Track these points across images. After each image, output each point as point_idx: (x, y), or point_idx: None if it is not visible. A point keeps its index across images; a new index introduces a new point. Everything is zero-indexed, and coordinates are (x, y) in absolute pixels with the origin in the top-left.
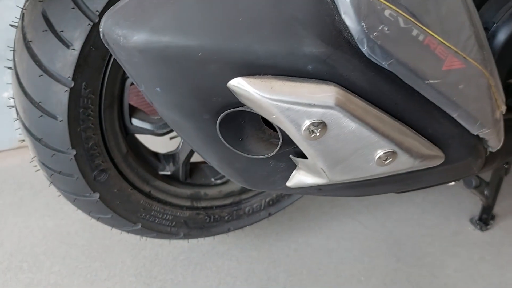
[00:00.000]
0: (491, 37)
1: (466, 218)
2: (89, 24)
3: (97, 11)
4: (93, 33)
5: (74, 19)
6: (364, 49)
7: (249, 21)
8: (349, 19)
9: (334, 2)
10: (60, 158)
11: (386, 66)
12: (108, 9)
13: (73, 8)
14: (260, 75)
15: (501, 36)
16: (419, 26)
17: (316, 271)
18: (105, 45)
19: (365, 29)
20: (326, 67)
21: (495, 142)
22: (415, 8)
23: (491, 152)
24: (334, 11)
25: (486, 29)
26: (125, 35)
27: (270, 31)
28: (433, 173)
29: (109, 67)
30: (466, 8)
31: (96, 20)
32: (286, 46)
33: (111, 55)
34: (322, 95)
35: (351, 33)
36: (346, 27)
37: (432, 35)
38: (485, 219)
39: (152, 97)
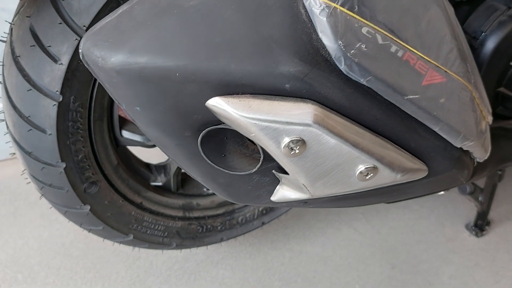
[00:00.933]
0: (479, 46)
1: (461, 224)
2: (76, 39)
3: (84, 26)
4: None
5: (61, 34)
6: (342, 67)
7: (226, 41)
8: (326, 38)
9: (311, 21)
10: (50, 171)
11: (364, 83)
12: (95, 23)
13: (60, 23)
14: (238, 94)
15: (490, 45)
16: (398, 42)
17: (311, 279)
18: (85, 65)
19: (342, 47)
20: (304, 85)
21: (481, 154)
22: (393, 24)
23: (480, 161)
24: (311, 30)
25: (475, 38)
26: (103, 57)
27: (247, 51)
28: (418, 185)
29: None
30: (448, 21)
31: (83, 35)
32: (263, 66)
33: None
34: (300, 113)
35: (328, 52)
36: (323, 45)
37: (411, 50)
38: (480, 225)
39: (133, 115)
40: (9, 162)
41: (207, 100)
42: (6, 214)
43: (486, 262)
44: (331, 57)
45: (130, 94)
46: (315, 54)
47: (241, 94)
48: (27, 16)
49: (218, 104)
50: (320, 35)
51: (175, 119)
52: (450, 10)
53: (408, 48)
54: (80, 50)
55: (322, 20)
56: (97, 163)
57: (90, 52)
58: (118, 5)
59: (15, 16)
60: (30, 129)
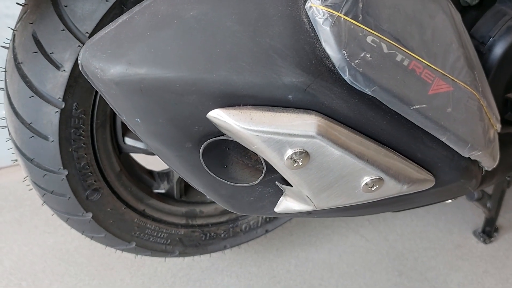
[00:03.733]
0: (487, 51)
1: (469, 230)
2: (79, 45)
3: (87, 32)
4: None
5: (64, 40)
6: (346, 77)
7: (227, 51)
8: (330, 48)
9: (314, 31)
10: (52, 178)
11: (369, 93)
12: (98, 30)
13: (63, 30)
14: (240, 105)
15: (498, 50)
16: (404, 50)
17: (317, 287)
18: (85, 76)
19: (346, 57)
20: (307, 96)
21: (489, 163)
22: (399, 33)
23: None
24: (315, 39)
25: (483, 43)
26: (102, 68)
27: (248, 61)
28: (425, 195)
29: None
30: (455, 29)
31: (86, 40)
32: (265, 77)
33: None
34: (303, 125)
35: (332, 62)
36: (327, 55)
37: (417, 59)
38: (488, 231)
39: (134, 126)
40: (14, 168)
41: (208, 111)
42: (11, 220)
43: (495, 269)
44: (335, 67)
45: (129, 106)
46: (319, 64)
47: (242, 105)
48: (29, 23)
49: (219, 116)
50: (324, 44)
51: (175, 131)
52: (457, 17)
53: (414, 57)
54: (79, 61)
55: (325, 29)
56: (99, 170)
57: (89, 63)
58: (121, 11)
59: (17, 22)
60: (32, 136)
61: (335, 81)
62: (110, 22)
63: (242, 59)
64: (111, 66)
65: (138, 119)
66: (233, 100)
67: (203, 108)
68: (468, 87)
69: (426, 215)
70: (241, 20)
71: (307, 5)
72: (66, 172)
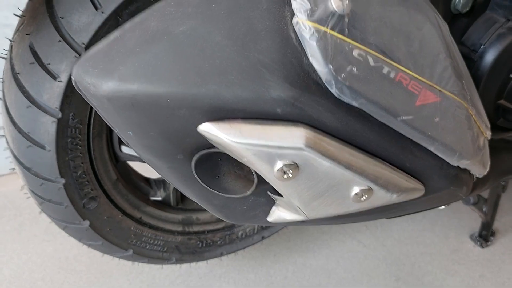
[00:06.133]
0: (478, 58)
1: (466, 234)
2: (75, 56)
3: (83, 43)
4: None
5: (60, 51)
6: (333, 90)
7: (216, 66)
8: (316, 62)
9: (301, 45)
10: (49, 186)
11: (356, 105)
12: (94, 41)
13: (60, 41)
14: (229, 119)
15: (489, 57)
16: (390, 63)
17: None
18: (78, 91)
19: (332, 71)
20: (295, 109)
21: (479, 170)
22: (385, 46)
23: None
24: (302, 54)
25: (474, 50)
26: (94, 84)
27: (237, 76)
28: (416, 202)
29: None
30: (442, 40)
31: (82, 51)
32: (253, 91)
33: None
34: (292, 137)
35: (319, 75)
36: (314, 69)
37: (404, 71)
38: (485, 235)
39: (126, 139)
40: (13, 176)
41: (199, 125)
42: (10, 230)
43: (491, 273)
44: (322, 80)
45: (122, 120)
46: (306, 78)
47: (232, 119)
48: (26, 34)
49: (209, 129)
50: (311, 59)
51: (167, 143)
52: (445, 28)
53: (401, 69)
54: (72, 77)
55: (312, 44)
56: (96, 179)
57: (82, 78)
58: (117, 22)
59: (15, 33)
60: (30, 145)
61: (322, 94)
62: (106, 33)
63: (231, 73)
64: (103, 82)
65: (131, 132)
66: (223, 113)
67: (193, 122)
68: (455, 97)
69: (423, 220)
70: (230, 35)
71: (294, 20)
72: (63, 181)
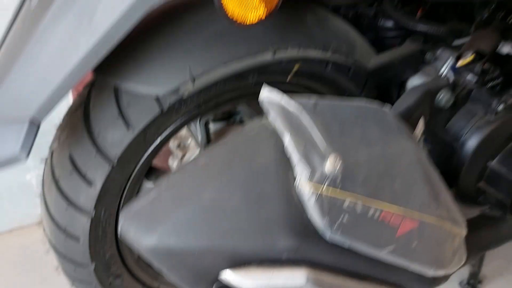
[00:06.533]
0: (460, 146)
1: (455, 281)
2: (109, 166)
3: (116, 155)
4: (112, 173)
5: (96, 162)
6: (327, 238)
7: (235, 225)
8: (314, 218)
9: (301, 203)
10: (81, 270)
11: (347, 247)
12: (126, 154)
13: (96, 153)
14: (245, 265)
15: (470, 147)
16: (375, 206)
17: None
18: (123, 239)
19: (327, 224)
20: (297, 254)
21: (455, 268)
22: (371, 191)
23: None
24: (302, 210)
25: (456, 140)
26: (138, 238)
27: (251, 232)
28: None
29: (125, 192)
30: (420, 167)
31: (115, 162)
32: (265, 243)
33: (126, 184)
34: (295, 277)
35: (316, 227)
36: (312, 222)
37: (386, 209)
38: (473, 283)
39: (162, 272)
40: (35, 227)
41: (220, 268)
42: (34, 283)
43: None
44: (318, 230)
45: (159, 263)
46: (306, 229)
47: (247, 264)
48: (66, 145)
49: (229, 275)
50: (309, 215)
51: (193, 278)
52: (423, 155)
53: (384, 207)
54: (119, 230)
55: (311, 204)
56: (121, 259)
57: (128, 231)
58: (144, 139)
59: (53, 141)
60: (66, 237)
61: (319, 240)
62: (135, 147)
63: (246, 230)
64: (146, 237)
65: (166, 270)
66: (241, 261)
67: (216, 267)
68: (432, 217)
69: None
70: (245, 199)
71: (296, 182)
72: (93, 266)
